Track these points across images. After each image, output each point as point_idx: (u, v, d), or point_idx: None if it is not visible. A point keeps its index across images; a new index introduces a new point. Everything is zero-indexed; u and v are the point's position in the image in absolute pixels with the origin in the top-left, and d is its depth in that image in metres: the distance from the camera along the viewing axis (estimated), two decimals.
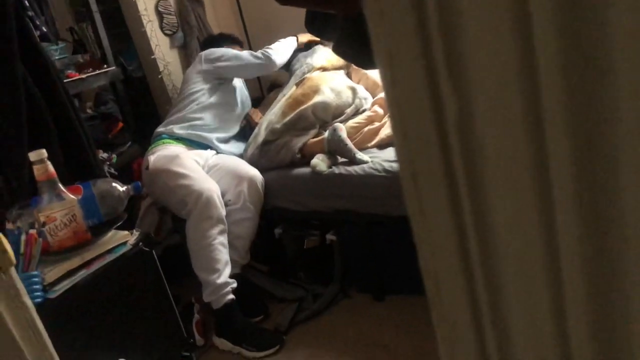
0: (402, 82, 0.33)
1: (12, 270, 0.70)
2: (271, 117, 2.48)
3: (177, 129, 2.45)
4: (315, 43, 2.78)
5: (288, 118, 2.39)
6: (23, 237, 1.53)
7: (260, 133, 2.44)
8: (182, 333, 1.92)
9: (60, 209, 1.57)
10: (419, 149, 0.35)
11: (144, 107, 2.92)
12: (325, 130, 2.32)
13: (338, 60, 2.70)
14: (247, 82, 2.86)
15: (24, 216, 1.64)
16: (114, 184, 1.83)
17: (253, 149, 2.44)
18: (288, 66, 2.75)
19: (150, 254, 1.77)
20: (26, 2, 2.24)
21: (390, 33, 0.32)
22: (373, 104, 2.50)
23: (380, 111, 2.42)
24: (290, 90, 2.56)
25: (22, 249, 1.51)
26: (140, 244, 1.75)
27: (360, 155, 2.18)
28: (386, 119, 2.39)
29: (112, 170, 2.43)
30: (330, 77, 2.57)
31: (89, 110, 2.63)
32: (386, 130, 2.32)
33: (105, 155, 2.46)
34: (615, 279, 0.34)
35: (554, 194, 0.32)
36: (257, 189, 2.31)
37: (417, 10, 0.33)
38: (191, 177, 2.21)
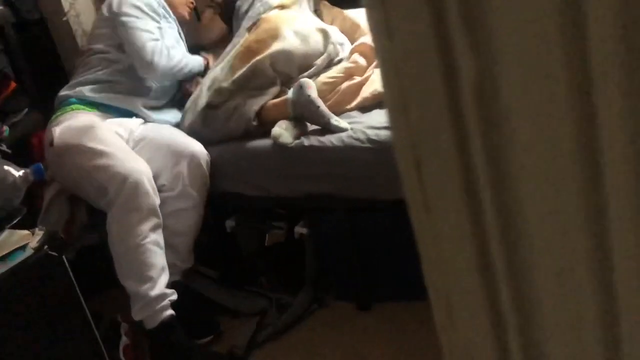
0: (402, 32, 0.32)
1: None
2: (216, 72, 2.45)
3: (89, 91, 2.42)
4: None
5: (239, 73, 2.37)
6: None
7: (202, 94, 2.41)
8: None
9: None
10: (424, 127, 0.34)
11: (44, 60, 2.85)
12: (290, 89, 2.31)
13: None
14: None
15: None
16: (6, 167, 1.82)
17: (193, 116, 2.41)
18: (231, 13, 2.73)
19: (59, 260, 1.76)
20: None
21: None
22: (352, 52, 2.48)
23: (362, 61, 2.41)
24: (241, 38, 2.52)
25: None
26: (45, 247, 1.73)
27: (336, 120, 2.18)
28: (371, 72, 2.38)
29: (4, 148, 2.38)
30: (292, 17, 2.54)
31: None
32: (371, 87, 2.32)
33: None
34: None
35: (606, 188, 0.31)
36: (201, 169, 2.30)
37: None
38: (112, 154, 2.19)
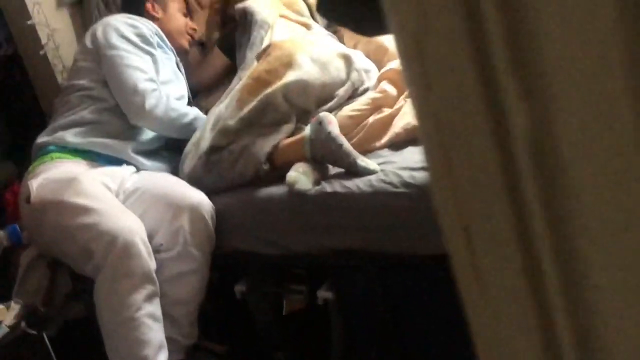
0: (442, 82, 0.33)
1: None
2: (220, 110, 2.47)
3: (71, 136, 2.45)
4: None
5: (247, 109, 2.39)
6: None
7: (205, 135, 2.43)
8: None
9: None
10: (472, 188, 0.34)
11: (19, 102, 2.90)
12: (307, 125, 2.32)
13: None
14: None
15: None
16: None
17: (194, 160, 2.43)
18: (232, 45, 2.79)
19: (38, 338, 1.78)
20: None
21: (418, 13, 0.32)
22: (379, 80, 2.50)
23: (392, 90, 2.43)
24: (248, 71, 2.56)
25: None
26: (23, 323, 1.75)
27: (363, 161, 2.18)
28: (402, 102, 2.39)
29: None
30: (309, 42, 2.57)
31: None
32: (403, 121, 2.33)
33: None
34: None
35: None
36: (204, 223, 2.31)
37: None
38: (98, 210, 2.20)
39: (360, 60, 2.59)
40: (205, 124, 2.49)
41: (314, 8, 2.85)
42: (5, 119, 2.78)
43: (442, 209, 0.36)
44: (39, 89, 2.96)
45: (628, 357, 0.37)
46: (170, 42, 2.75)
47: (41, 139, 2.48)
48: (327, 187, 2.19)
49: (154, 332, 2.13)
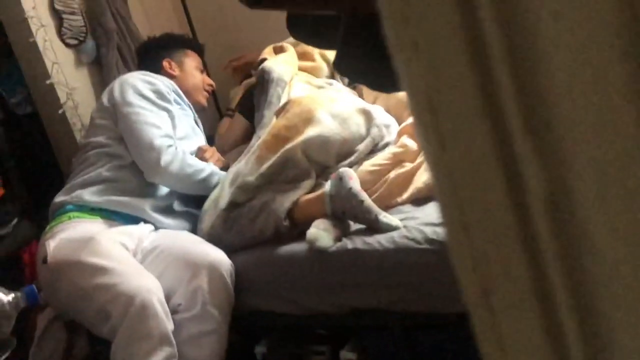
0: (456, 140, 0.33)
1: None
2: (239, 166, 2.49)
3: (89, 195, 2.47)
4: None
5: (267, 165, 2.41)
6: None
7: (224, 192, 2.45)
8: None
9: None
10: (490, 250, 0.34)
11: (37, 161, 2.93)
12: (327, 181, 2.33)
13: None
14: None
15: None
16: None
17: (213, 218, 2.44)
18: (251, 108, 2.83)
19: None
20: None
21: (432, 76, 0.32)
22: (400, 135, 2.52)
23: (412, 145, 2.43)
24: (266, 129, 2.59)
25: None
26: None
27: (385, 217, 2.18)
28: (423, 157, 2.39)
29: None
30: (328, 97, 2.60)
31: None
32: (425, 176, 2.33)
33: None
34: None
35: None
36: (223, 282, 2.30)
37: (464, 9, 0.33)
38: (115, 271, 2.21)
39: (380, 115, 2.61)
40: (224, 181, 2.51)
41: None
42: (22, 178, 2.81)
43: (460, 269, 0.36)
44: (57, 148, 3.00)
45: None
46: (187, 99, 2.79)
47: (59, 198, 2.51)
48: (349, 244, 2.18)
49: None
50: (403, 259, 2.08)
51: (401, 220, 2.18)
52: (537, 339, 0.36)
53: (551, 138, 0.33)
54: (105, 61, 3.06)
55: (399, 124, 2.62)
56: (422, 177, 2.33)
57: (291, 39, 3.01)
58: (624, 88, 0.32)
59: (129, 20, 3.19)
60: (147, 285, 2.17)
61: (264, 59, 2.95)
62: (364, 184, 2.28)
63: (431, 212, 2.18)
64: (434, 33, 0.32)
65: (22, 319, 2.14)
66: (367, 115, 2.56)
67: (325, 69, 3.03)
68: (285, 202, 2.33)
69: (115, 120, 2.57)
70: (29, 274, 2.54)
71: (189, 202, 2.68)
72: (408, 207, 2.29)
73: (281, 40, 3.05)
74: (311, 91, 2.77)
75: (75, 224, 2.40)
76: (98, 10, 3.07)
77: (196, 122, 2.84)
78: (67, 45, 3.01)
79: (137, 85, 2.60)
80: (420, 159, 2.40)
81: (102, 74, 3.07)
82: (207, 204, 2.51)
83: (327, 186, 2.28)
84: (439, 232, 2.04)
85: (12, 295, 1.85)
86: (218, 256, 2.33)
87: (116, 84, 2.64)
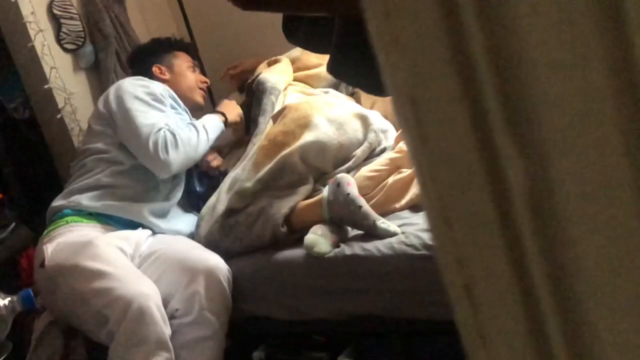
0: (437, 134, 0.33)
1: None
2: (236, 173, 2.50)
3: (87, 200, 2.47)
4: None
5: (264, 171, 2.41)
6: None
7: (221, 198, 2.45)
8: None
9: None
10: (471, 244, 0.34)
11: (35, 166, 2.93)
12: (324, 186, 2.33)
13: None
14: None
15: None
16: None
17: (210, 224, 2.44)
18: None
19: None
20: None
21: (412, 67, 0.33)
22: (397, 140, 2.52)
23: None
24: (261, 135, 2.59)
25: None
26: None
27: (383, 222, 2.18)
28: None
29: None
30: (325, 103, 2.60)
31: None
32: None
33: None
34: None
35: None
36: (221, 288, 2.30)
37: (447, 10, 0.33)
38: (112, 275, 2.21)
39: (377, 120, 2.62)
40: (221, 187, 2.51)
41: None
42: (21, 183, 2.82)
43: (443, 263, 0.37)
44: (55, 152, 3.00)
45: None
46: (184, 101, 2.79)
47: (56, 202, 2.51)
48: (347, 249, 2.18)
49: None
50: (401, 265, 2.07)
51: (399, 226, 2.18)
52: (518, 334, 0.36)
53: (532, 133, 0.34)
54: (103, 66, 3.07)
55: (396, 130, 2.62)
56: None
57: (289, 53, 3.03)
58: (604, 82, 0.32)
59: (128, 26, 3.20)
60: (144, 290, 2.18)
61: (259, 74, 2.95)
62: (362, 190, 2.28)
63: None
64: (414, 28, 0.33)
65: (19, 323, 2.14)
66: (364, 120, 2.56)
67: (328, 76, 3.03)
68: (282, 207, 2.33)
69: (113, 126, 2.58)
70: (26, 279, 2.54)
71: (188, 207, 2.69)
72: (406, 213, 2.29)
73: (280, 44, 3.04)
74: (308, 97, 2.78)
75: (72, 229, 2.40)
76: (96, 16, 3.08)
77: None
78: (66, 50, 3.02)
79: (131, 90, 2.60)
80: None
81: (100, 79, 3.08)
82: (204, 210, 2.52)
83: (325, 192, 2.28)
84: None
85: (9, 299, 1.85)
86: (216, 262, 2.33)
87: (111, 90, 2.65)
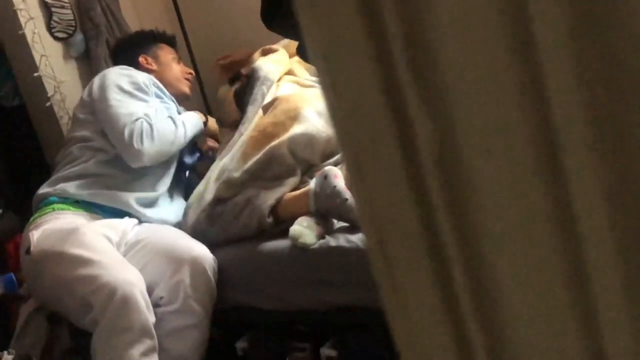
0: (349, 91, 0.36)
1: None
2: (225, 162, 2.51)
3: (73, 188, 2.49)
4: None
5: (252, 161, 2.41)
6: None
7: (209, 187, 2.46)
8: None
9: None
10: (383, 199, 0.36)
11: (23, 153, 2.94)
12: (312, 179, 2.35)
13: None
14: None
15: None
16: None
17: (197, 212, 2.45)
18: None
19: None
20: None
21: (324, 25, 0.35)
22: None
23: None
24: (249, 124, 2.60)
25: None
26: None
27: None
28: None
29: None
30: (315, 95, 2.61)
31: None
32: None
33: None
34: None
35: (589, 265, 0.33)
36: (206, 277, 2.31)
37: None
38: (97, 263, 2.22)
39: None
40: (209, 176, 2.52)
41: None
42: (8, 170, 2.82)
43: (360, 216, 0.39)
44: (43, 140, 3.01)
45: None
46: (171, 91, 2.80)
47: (43, 190, 2.52)
48: (332, 241, 2.19)
49: None
50: None
51: None
52: (428, 288, 0.38)
53: (439, 93, 0.36)
54: (93, 55, 3.08)
55: None
56: None
57: (284, 41, 3.03)
58: (504, 48, 0.35)
59: (119, 15, 3.21)
60: (129, 278, 2.18)
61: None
62: (349, 183, 2.29)
63: None
64: None
65: (2, 307, 2.14)
66: None
67: None
68: (269, 198, 2.34)
69: (96, 114, 2.59)
70: (12, 265, 2.55)
71: (175, 196, 2.70)
72: None
73: (271, 35, 3.05)
74: (299, 89, 2.79)
75: (59, 216, 2.41)
76: (87, 4, 3.10)
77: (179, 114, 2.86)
78: (56, 38, 3.03)
79: (115, 79, 2.60)
80: None
81: (90, 67, 3.09)
82: (192, 198, 2.52)
83: (312, 184, 2.29)
84: None
85: None
86: (201, 251, 2.34)
87: (96, 79, 2.65)
